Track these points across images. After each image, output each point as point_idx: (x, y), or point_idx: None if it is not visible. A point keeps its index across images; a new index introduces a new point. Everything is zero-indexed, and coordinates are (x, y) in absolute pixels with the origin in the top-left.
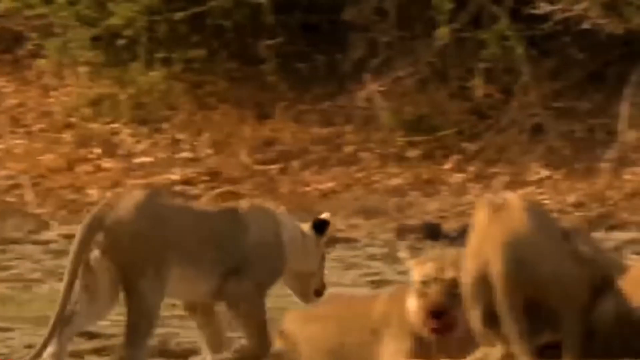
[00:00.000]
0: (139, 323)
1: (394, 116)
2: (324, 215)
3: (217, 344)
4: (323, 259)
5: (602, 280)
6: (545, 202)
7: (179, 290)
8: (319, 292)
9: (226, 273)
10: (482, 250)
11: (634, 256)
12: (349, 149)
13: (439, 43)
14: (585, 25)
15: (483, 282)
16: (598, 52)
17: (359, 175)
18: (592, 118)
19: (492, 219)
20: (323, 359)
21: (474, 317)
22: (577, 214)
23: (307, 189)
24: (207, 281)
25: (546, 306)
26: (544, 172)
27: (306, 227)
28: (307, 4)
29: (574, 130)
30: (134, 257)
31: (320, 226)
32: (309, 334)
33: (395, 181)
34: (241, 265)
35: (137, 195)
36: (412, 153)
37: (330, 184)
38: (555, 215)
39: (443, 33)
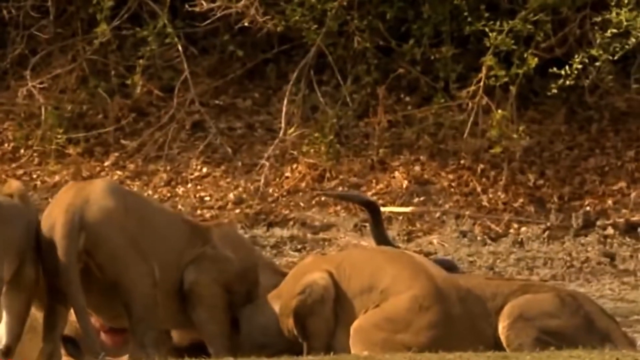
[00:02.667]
0: None
1: (54, 113)
2: None
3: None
4: None
5: (241, 279)
6: (206, 198)
7: None
8: None
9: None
10: (50, 214)
11: (294, 253)
12: (8, 146)
13: (99, 40)
14: (245, 23)
15: (50, 244)
16: (258, 49)
17: (19, 172)
18: (252, 115)
19: (68, 189)
20: None
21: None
22: (237, 211)
23: None
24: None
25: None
26: (204, 169)
27: None
28: None
29: (234, 127)
30: None
31: None
32: None
33: (55, 178)
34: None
35: None
36: (72, 150)
37: None
38: (214, 213)
39: (103, 30)
